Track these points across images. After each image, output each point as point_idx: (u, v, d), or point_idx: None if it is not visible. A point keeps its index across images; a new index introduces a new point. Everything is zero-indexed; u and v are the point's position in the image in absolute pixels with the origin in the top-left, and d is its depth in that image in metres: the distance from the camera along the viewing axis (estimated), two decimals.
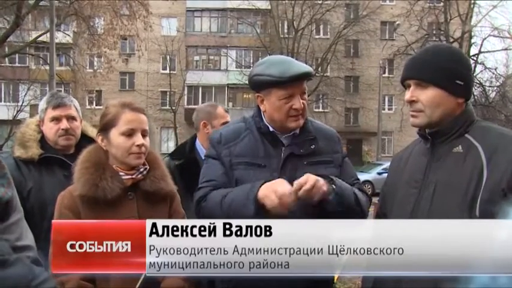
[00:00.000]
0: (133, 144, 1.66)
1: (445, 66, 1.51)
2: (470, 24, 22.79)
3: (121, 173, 1.68)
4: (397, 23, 24.99)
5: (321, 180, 1.65)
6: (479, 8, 23.22)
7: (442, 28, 23.57)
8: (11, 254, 0.85)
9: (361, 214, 1.79)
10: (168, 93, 28.06)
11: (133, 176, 1.69)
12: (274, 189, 1.60)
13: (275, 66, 1.77)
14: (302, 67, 1.79)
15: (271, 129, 1.83)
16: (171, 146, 25.79)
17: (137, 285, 1.58)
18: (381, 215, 1.76)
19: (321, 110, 29.33)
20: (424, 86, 1.52)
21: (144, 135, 1.70)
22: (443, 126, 1.53)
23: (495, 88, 23.02)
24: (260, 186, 1.64)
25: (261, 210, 1.62)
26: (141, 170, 1.71)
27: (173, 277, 1.65)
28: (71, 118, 2.18)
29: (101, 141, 1.72)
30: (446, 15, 23.17)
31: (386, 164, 19.15)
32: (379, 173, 18.13)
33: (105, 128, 1.70)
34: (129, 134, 1.67)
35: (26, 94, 22.46)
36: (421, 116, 1.54)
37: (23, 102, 22.14)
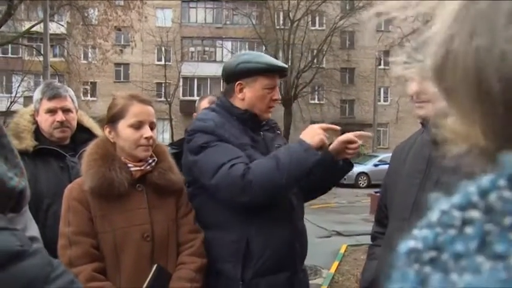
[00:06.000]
0: (142, 137, 1.64)
1: None
2: None
3: (129, 165, 1.66)
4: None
5: None
6: None
7: None
8: (30, 245, 0.83)
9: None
10: (163, 84, 27.77)
11: (142, 168, 1.68)
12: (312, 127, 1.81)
13: (261, 57, 1.92)
14: (281, 62, 1.99)
15: (248, 116, 1.89)
16: (166, 138, 25.63)
17: (149, 277, 1.58)
18: (382, 205, 1.76)
19: (316, 101, 29.28)
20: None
21: (151, 128, 1.68)
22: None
23: None
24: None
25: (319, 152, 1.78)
26: (150, 161, 1.70)
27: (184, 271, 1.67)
28: (66, 110, 2.14)
29: (108, 133, 1.69)
30: None
31: (382, 156, 19.19)
32: (375, 165, 18.16)
33: (112, 119, 1.68)
34: (137, 126, 1.65)
35: (19, 85, 22.22)
36: (427, 107, 1.51)
37: (16, 94, 21.90)
